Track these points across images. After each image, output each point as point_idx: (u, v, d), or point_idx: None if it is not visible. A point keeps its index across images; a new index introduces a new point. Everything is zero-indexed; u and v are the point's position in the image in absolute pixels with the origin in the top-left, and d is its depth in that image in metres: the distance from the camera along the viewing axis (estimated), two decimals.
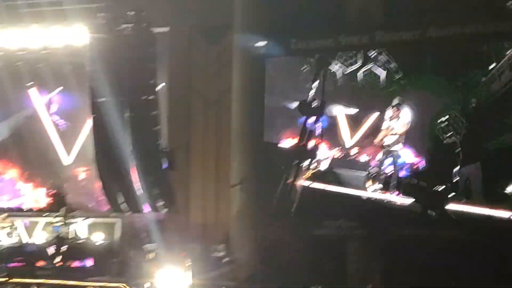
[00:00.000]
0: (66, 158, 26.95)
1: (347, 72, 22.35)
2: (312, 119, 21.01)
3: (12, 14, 22.48)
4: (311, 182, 20.86)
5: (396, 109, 19.93)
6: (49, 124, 27.17)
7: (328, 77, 21.33)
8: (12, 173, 27.07)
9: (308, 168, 21.67)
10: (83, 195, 25.98)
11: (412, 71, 21.59)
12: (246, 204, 20.22)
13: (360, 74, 22.28)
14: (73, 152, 26.97)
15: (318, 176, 21.45)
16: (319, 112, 21.14)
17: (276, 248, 19.65)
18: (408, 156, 21.46)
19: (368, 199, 20.14)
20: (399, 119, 19.91)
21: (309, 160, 21.24)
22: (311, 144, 21.48)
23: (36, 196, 26.67)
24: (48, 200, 25.93)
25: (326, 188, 20.60)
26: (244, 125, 20.41)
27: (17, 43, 23.36)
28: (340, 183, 21.14)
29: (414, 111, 20.08)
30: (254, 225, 20.11)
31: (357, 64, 22.22)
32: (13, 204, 26.36)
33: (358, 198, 20.27)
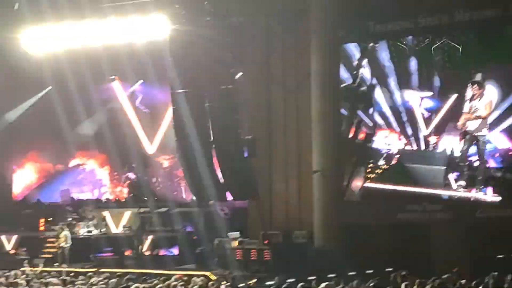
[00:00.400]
0: (149, 148, 27.49)
1: (418, 48, 20.65)
2: (361, 106, 19.99)
3: (94, 9, 22.87)
4: (377, 182, 19.78)
5: (478, 87, 17.88)
6: (133, 115, 27.71)
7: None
8: (93, 164, 27.72)
9: (373, 166, 20.26)
10: (167, 185, 26.41)
11: (494, 43, 19.59)
12: (328, 190, 20.10)
13: (433, 50, 20.34)
14: (156, 142, 27.47)
15: (385, 175, 20.10)
16: (368, 97, 20.07)
17: (360, 233, 19.50)
18: (498, 143, 19.10)
19: (450, 198, 18.83)
20: (482, 99, 17.82)
21: (368, 155, 19.90)
22: (362, 136, 20.37)
23: (119, 186, 27.25)
24: (132, 190, 26.46)
25: (396, 189, 19.52)
26: (324, 110, 20.26)
27: (99, 37, 23.82)
28: (413, 180, 19.59)
29: (500, 89, 18.64)
30: (336, 211, 20.00)
31: (427, 39, 20.35)
32: (95, 195, 26.99)
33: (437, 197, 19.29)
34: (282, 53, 21.72)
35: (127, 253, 22.96)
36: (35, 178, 28.24)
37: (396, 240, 19.25)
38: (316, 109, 20.47)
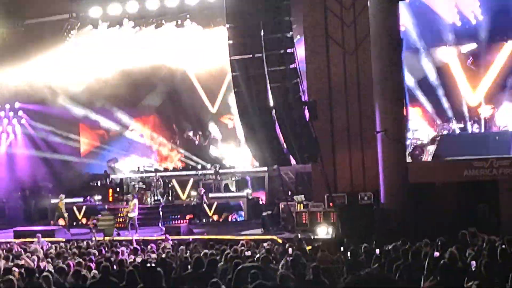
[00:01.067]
0: (212, 108, 28.01)
1: None
2: None
3: None
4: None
5: None
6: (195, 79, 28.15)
7: None
8: (149, 131, 28.18)
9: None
10: (230, 150, 26.69)
11: None
12: (392, 150, 19.89)
13: None
14: (217, 102, 27.90)
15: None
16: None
17: (426, 192, 19.29)
18: None
19: None
20: None
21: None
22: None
23: (180, 154, 27.62)
24: (196, 156, 26.79)
25: None
26: (384, 70, 19.98)
27: (154, 7, 24.10)
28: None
29: None
30: (402, 171, 19.78)
31: None
32: (152, 163, 27.40)
33: None
34: (340, 14, 21.47)
35: (194, 219, 23.29)
36: (91, 145, 28.83)
37: (463, 198, 18.99)
38: (376, 69, 20.19)
